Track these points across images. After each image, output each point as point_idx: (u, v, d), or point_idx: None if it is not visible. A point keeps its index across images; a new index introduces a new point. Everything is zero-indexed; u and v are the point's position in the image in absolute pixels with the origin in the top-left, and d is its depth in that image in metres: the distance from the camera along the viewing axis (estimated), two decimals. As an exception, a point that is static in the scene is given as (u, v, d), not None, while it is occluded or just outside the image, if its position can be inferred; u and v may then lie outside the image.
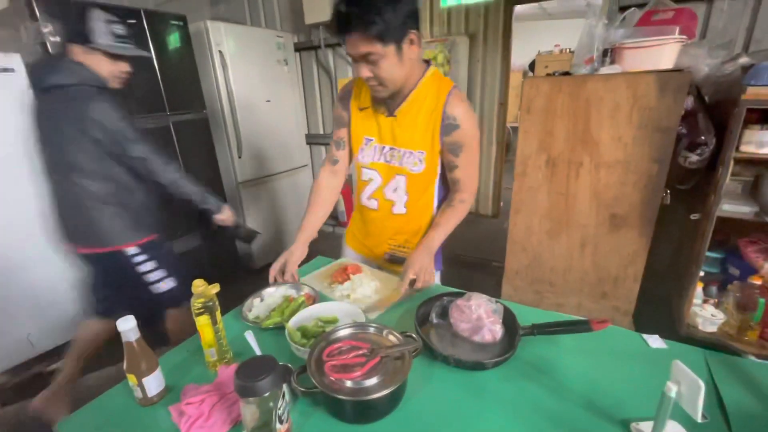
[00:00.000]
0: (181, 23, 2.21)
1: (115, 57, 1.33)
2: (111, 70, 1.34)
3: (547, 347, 0.82)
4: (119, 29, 1.32)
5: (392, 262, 1.24)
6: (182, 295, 1.51)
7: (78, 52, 1.29)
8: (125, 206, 1.41)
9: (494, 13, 3.38)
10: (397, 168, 1.09)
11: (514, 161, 1.84)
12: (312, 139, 3.39)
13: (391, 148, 1.08)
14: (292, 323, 0.87)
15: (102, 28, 1.27)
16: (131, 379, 0.71)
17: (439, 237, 1.10)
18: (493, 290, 0.93)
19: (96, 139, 1.29)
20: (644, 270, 1.68)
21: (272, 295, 1.05)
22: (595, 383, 0.72)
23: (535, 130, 1.72)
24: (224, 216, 1.59)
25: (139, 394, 0.72)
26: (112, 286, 1.52)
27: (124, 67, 1.38)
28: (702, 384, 0.51)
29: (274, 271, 1.11)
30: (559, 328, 0.81)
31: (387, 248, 1.24)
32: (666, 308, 1.97)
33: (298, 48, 3.09)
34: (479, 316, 0.84)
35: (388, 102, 1.04)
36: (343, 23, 0.84)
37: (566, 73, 1.71)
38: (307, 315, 0.91)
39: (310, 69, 3.19)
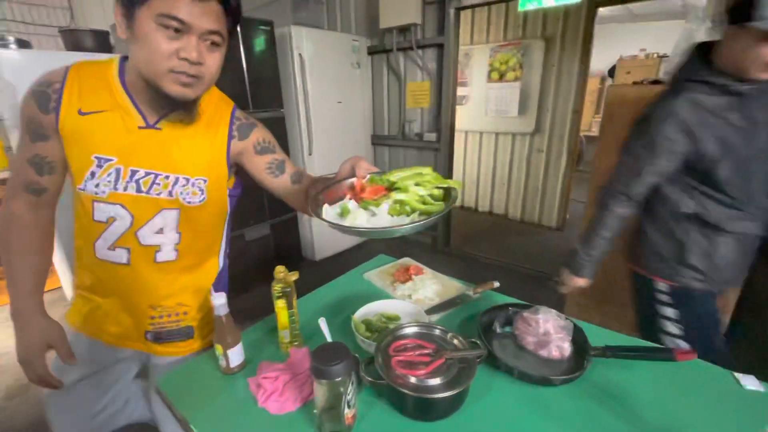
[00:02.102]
0: (268, 28, 2.40)
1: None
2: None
3: (619, 372, 0.78)
4: None
5: (160, 341, 0.89)
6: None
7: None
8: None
9: (575, 16, 3.22)
10: (165, 200, 0.78)
11: (586, 172, 1.74)
12: (377, 140, 3.48)
13: (150, 173, 0.75)
14: (357, 316, 0.91)
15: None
16: (218, 349, 0.80)
17: None
18: (554, 307, 0.90)
19: None
20: (737, 300, 1.51)
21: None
22: (673, 419, 0.67)
23: (618, 141, 1.61)
24: (565, 282, 1.23)
25: (223, 363, 0.80)
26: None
27: None
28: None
29: (47, 377, 0.77)
30: (636, 353, 0.76)
31: (147, 324, 0.87)
32: (761, 344, 1.74)
33: (371, 51, 3.18)
34: (547, 330, 0.82)
35: (149, 106, 0.73)
36: None
37: (657, 81, 1.59)
38: (371, 310, 0.95)
39: (380, 72, 3.28)
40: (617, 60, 5.78)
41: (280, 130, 2.70)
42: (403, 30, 2.92)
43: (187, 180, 0.79)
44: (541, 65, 3.52)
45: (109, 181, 0.74)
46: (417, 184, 0.67)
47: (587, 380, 0.76)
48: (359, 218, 0.64)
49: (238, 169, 0.92)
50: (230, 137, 0.83)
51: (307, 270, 2.96)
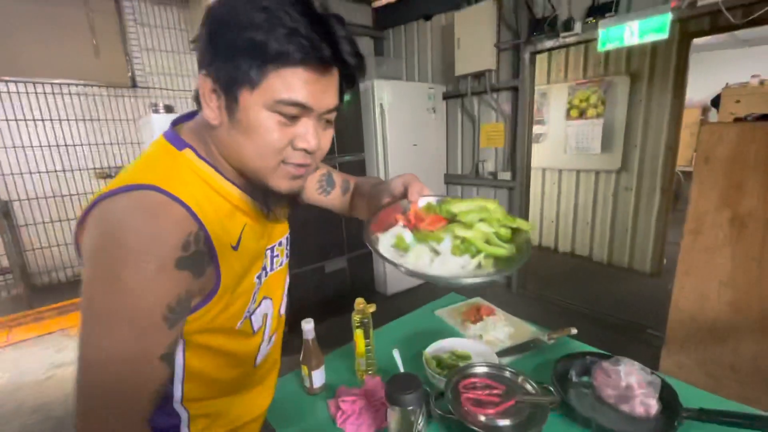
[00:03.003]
0: (353, 83, 2.70)
1: None
2: None
3: (718, 440, 0.70)
4: None
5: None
6: None
7: None
8: None
9: (664, 51, 3.05)
10: (285, 266, 0.76)
11: (685, 211, 1.60)
12: (450, 179, 3.56)
13: (271, 249, 0.68)
14: (429, 351, 0.95)
15: None
16: (304, 370, 0.90)
17: None
18: (647, 363, 0.84)
19: None
20: None
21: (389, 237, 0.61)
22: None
23: (716, 183, 1.48)
24: None
25: (307, 383, 0.90)
26: None
27: None
28: None
29: None
30: (739, 419, 0.69)
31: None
32: None
33: (446, 96, 3.35)
34: (629, 384, 0.78)
35: (260, 198, 0.58)
36: (341, 52, 0.48)
37: (765, 117, 1.44)
38: (442, 347, 0.99)
39: (455, 115, 3.41)
40: (723, 88, 5.21)
41: (360, 172, 2.93)
42: (478, 76, 3.04)
43: (287, 238, 0.75)
44: (626, 101, 3.35)
45: (258, 287, 0.64)
46: (482, 220, 0.58)
47: (678, 444, 0.70)
48: (422, 258, 0.56)
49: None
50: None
51: (379, 304, 3.02)
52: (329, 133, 0.57)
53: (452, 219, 0.59)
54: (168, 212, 0.46)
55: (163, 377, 0.49)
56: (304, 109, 0.49)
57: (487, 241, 0.57)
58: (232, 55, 0.46)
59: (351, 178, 0.86)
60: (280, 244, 0.71)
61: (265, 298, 0.67)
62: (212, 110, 0.50)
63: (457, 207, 0.60)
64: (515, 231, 0.60)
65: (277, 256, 0.70)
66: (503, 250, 0.56)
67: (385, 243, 0.58)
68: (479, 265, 0.55)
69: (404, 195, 0.64)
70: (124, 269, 0.43)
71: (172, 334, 0.47)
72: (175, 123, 0.57)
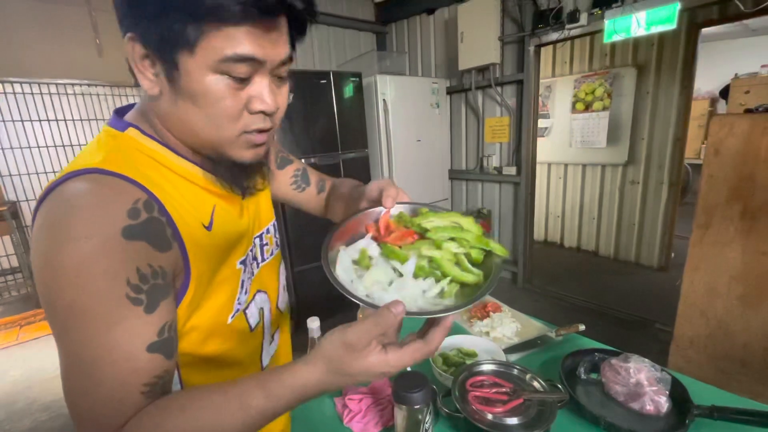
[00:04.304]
0: (356, 79, 2.69)
1: None
2: None
3: (731, 438, 0.69)
4: None
5: None
6: None
7: None
8: None
9: (672, 41, 3.00)
10: (277, 255, 0.72)
11: (692, 204, 1.58)
12: (454, 175, 3.54)
13: (258, 238, 0.65)
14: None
15: None
16: (310, 368, 0.90)
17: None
18: (655, 358, 0.83)
19: None
20: None
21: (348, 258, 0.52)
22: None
23: (726, 175, 1.46)
24: None
25: (314, 381, 0.90)
26: None
27: None
28: None
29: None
30: (753, 417, 0.67)
31: None
32: None
33: (450, 91, 3.32)
34: (639, 381, 0.77)
35: (229, 176, 0.53)
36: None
37: (776, 108, 1.41)
38: (448, 344, 0.98)
39: (458, 110, 3.39)
40: (732, 79, 5.12)
41: (364, 169, 2.92)
42: (482, 70, 3.01)
43: (275, 225, 0.72)
44: (632, 93, 3.30)
45: (249, 277, 0.60)
46: (452, 239, 0.52)
47: (689, 442, 0.69)
48: (378, 280, 0.48)
49: None
50: (270, 173, 0.75)
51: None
52: (285, 90, 0.51)
53: (424, 234, 0.54)
54: (109, 185, 0.42)
55: (158, 369, 0.43)
56: (255, 64, 0.43)
57: (457, 263, 0.51)
58: (161, 12, 0.40)
59: (327, 179, 0.83)
60: (267, 231, 0.68)
61: (259, 291, 0.64)
62: (148, 79, 0.44)
63: (429, 222, 0.55)
64: (488, 253, 0.53)
65: (267, 244, 0.67)
66: (472, 276, 0.49)
67: (345, 260, 0.50)
68: (441, 292, 0.48)
69: (380, 200, 0.57)
70: (63, 252, 0.38)
71: (153, 318, 0.42)
72: (122, 112, 0.52)
